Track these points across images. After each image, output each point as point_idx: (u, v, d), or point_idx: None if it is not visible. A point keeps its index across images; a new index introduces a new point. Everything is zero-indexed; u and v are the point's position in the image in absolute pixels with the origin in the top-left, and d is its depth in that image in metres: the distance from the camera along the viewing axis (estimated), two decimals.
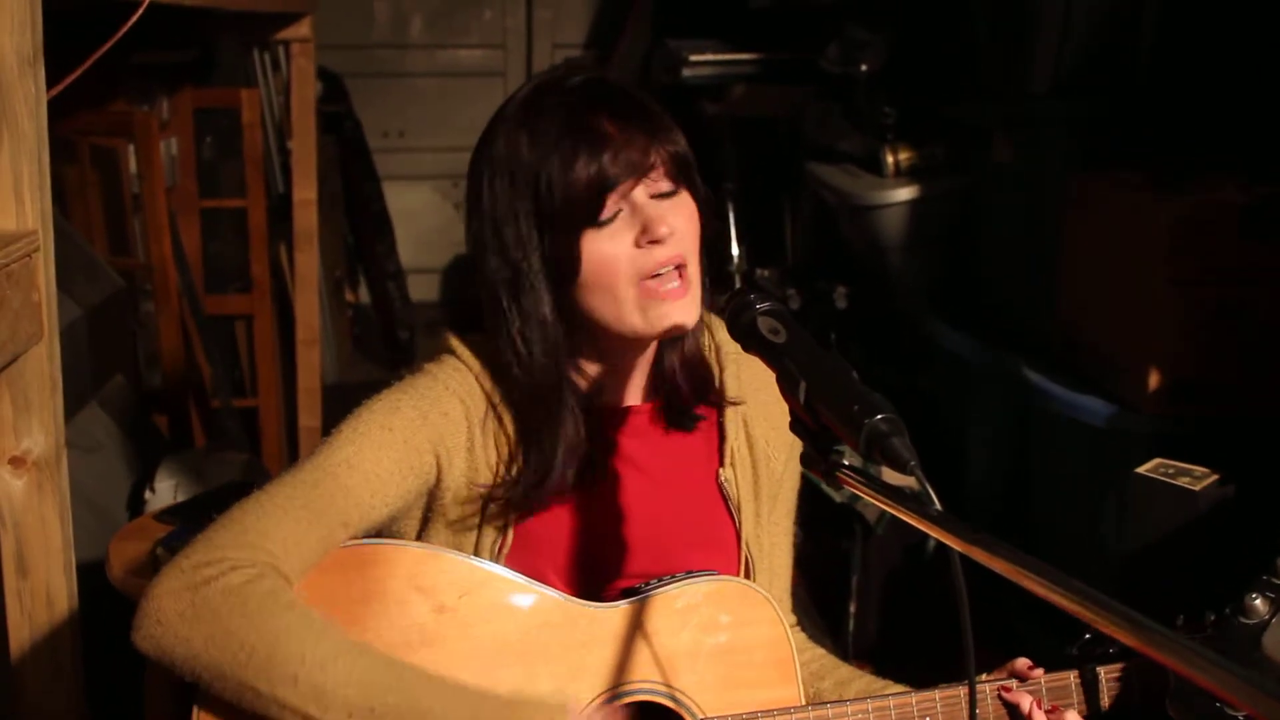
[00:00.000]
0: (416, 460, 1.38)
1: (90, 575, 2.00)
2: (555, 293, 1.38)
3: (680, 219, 1.37)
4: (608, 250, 1.35)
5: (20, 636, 1.70)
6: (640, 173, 1.35)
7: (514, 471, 1.42)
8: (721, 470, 1.53)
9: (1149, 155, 2.86)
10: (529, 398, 1.40)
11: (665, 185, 1.38)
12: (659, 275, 1.36)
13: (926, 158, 3.52)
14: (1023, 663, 1.46)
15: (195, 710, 1.26)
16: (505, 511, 1.42)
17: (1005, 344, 3.11)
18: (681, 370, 1.50)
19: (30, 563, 1.67)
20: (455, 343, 1.46)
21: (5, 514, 1.65)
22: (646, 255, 1.35)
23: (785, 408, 1.37)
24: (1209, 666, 0.78)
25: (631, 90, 1.42)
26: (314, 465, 1.33)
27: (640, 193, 1.36)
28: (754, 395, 1.53)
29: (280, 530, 1.27)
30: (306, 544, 1.28)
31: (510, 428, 1.42)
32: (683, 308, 1.37)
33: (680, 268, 1.37)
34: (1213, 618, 1.44)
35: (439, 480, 1.40)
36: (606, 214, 1.35)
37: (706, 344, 1.54)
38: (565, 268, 1.36)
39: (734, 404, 1.53)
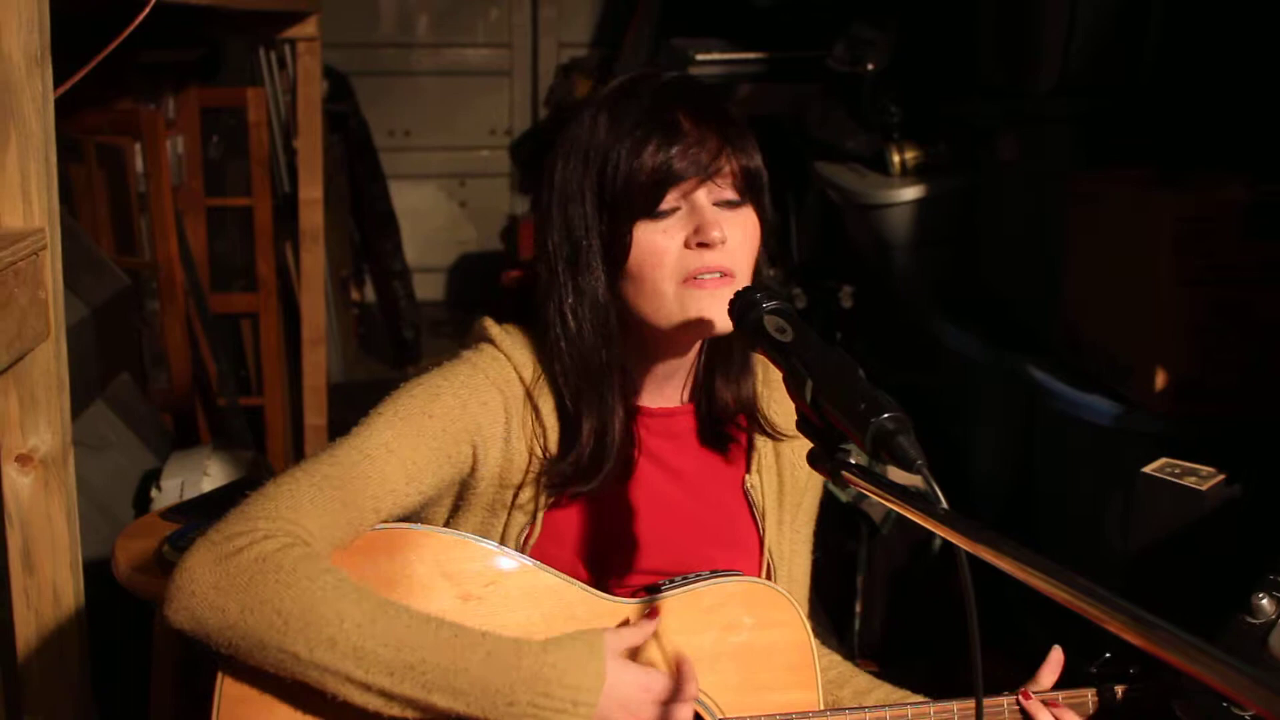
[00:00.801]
0: (453, 449, 1.38)
1: (96, 572, 2.00)
2: (610, 276, 1.39)
3: (738, 232, 1.38)
4: (658, 243, 1.36)
5: (27, 633, 1.70)
6: (706, 174, 1.36)
7: (549, 459, 1.42)
8: (748, 477, 1.54)
9: (1154, 153, 2.86)
10: (576, 377, 1.41)
11: (730, 194, 1.38)
12: (702, 276, 1.36)
13: (932, 156, 3.52)
14: (1056, 655, 1.46)
15: (220, 675, 1.27)
16: (535, 501, 1.43)
17: (1010, 343, 3.10)
18: (722, 382, 1.50)
19: (37, 560, 1.68)
20: (494, 331, 1.47)
21: (12, 511, 1.66)
22: (694, 256, 1.36)
23: None
24: (1216, 665, 0.78)
25: (718, 96, 1.43)
26: (352, 446, 1.34)
27: (703, 195, 1.37)
28: (783, 404, 1.53)
29: (314, 509, 1.27)
30: (338, 526, 1.29)
31: (547, 419, 1.43)
32: (720, 301, 1.34)
33: (726, 275, 1.36)
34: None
35: (473, 470, 1.41)
36: (664, 207, 1.36)
37: (760, 376, 1.54)
38: (617, 252, 1.37)
39: (771, 434, 1.53)
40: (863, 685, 1.59)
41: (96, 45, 1.84)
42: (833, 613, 3.20)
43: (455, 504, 1.45)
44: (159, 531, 2.31)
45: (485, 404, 1.40)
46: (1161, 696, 1.44)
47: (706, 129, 1.37)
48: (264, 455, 3.81)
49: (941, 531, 1.00)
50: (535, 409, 1.43)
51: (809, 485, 1.60)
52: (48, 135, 1.58)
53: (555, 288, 1.40)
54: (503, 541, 1.43)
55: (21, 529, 1.66)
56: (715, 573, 1.45)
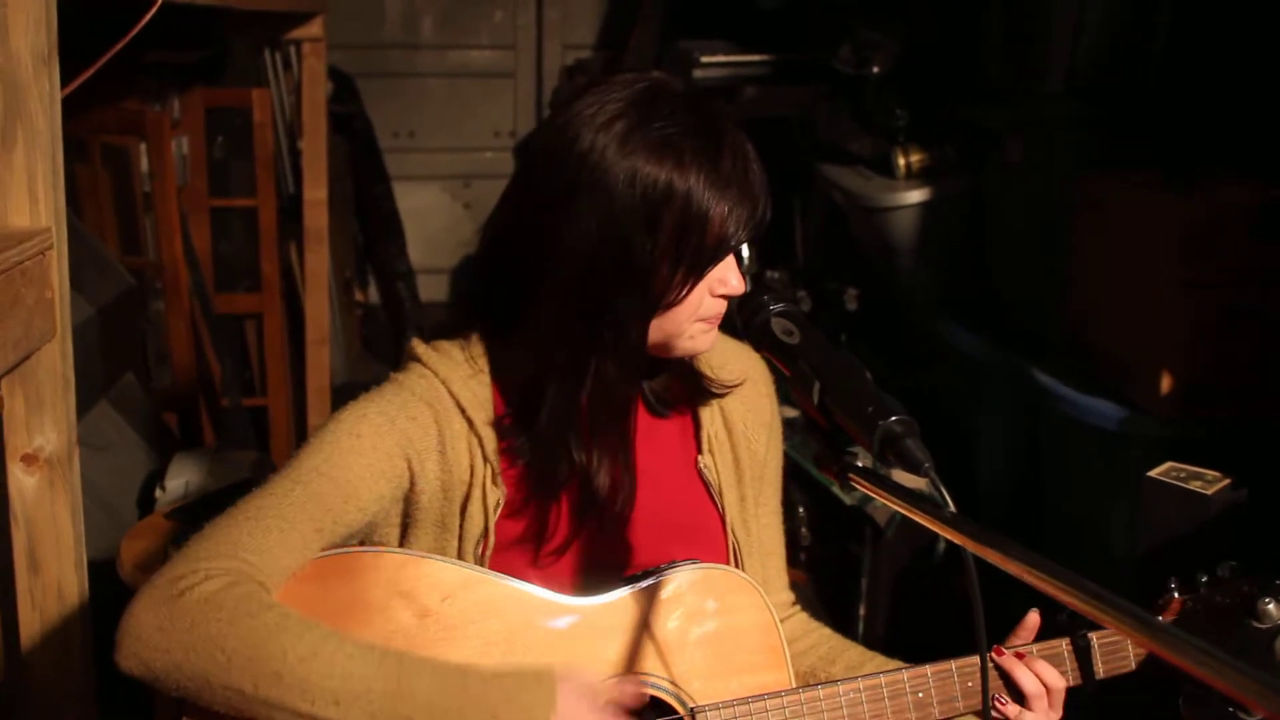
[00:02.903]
0: (387, 465, 1.38)
1: (101, 573, 2.00)
2: (646, 306, 1.37)
3: None
4: (698, 289, 1.38)
5: (31, 633, 1.70)
6: (757, 237, 1.40)
7: (495, 462, 1.42)
8: (700, 458, 1.54)
9: (1161, 156, 2.85)
10: (595, 410, 1.42)
11: None
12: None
13: (937, 159, 3.51)
14: (1031, 619, 1.47)
15: None
16: (484, 511, 1.42)
17: (1016, 346, 3.10)
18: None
19: (42, 559, 1.68)
20: (420, 349, 1.47)
21: (18, 511, 1.66)
22: (716, 304, 1.40)
23: (760, 390, 1.44)
24: (1225, 669, 0.77)
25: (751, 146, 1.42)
26: (284, 476, 1.35)
27: None
28: (717, 356, 1.55)
29: (254, 539, 1.28)
30: (281, 551, 1.29)
31: (482, 429, 1.43)
32: (711, 338, 1.43)
33: None
34: (1204, 578, 1.44)
35: (413, 484, 1.41)
36: None
37: None
38: (672, 293, 1.36)
39: (722, 388, 1.54)
40: (854, 660, 1.59)
41: (103, 45, 1.84)
42: (836, 615, 3.19)
43: (404, 522, 1.44)
44: (163, 532, 2.31)
45: (414, 418, 1.41)
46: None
47: (762, 191, 1.38)
48: (267, 456, 3.81)
49: (948, 534, 1.00)
50: (469, 420, 1.43)
51: (769, 456, 1.60)
52: (55, 135, 1.58)
53: (579, 301, 1.36)
54: (459, 555, 1.43)
55: (27, 528, 1.67)
56: (674, 564, 1.45)
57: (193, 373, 3.76)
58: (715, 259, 1.36)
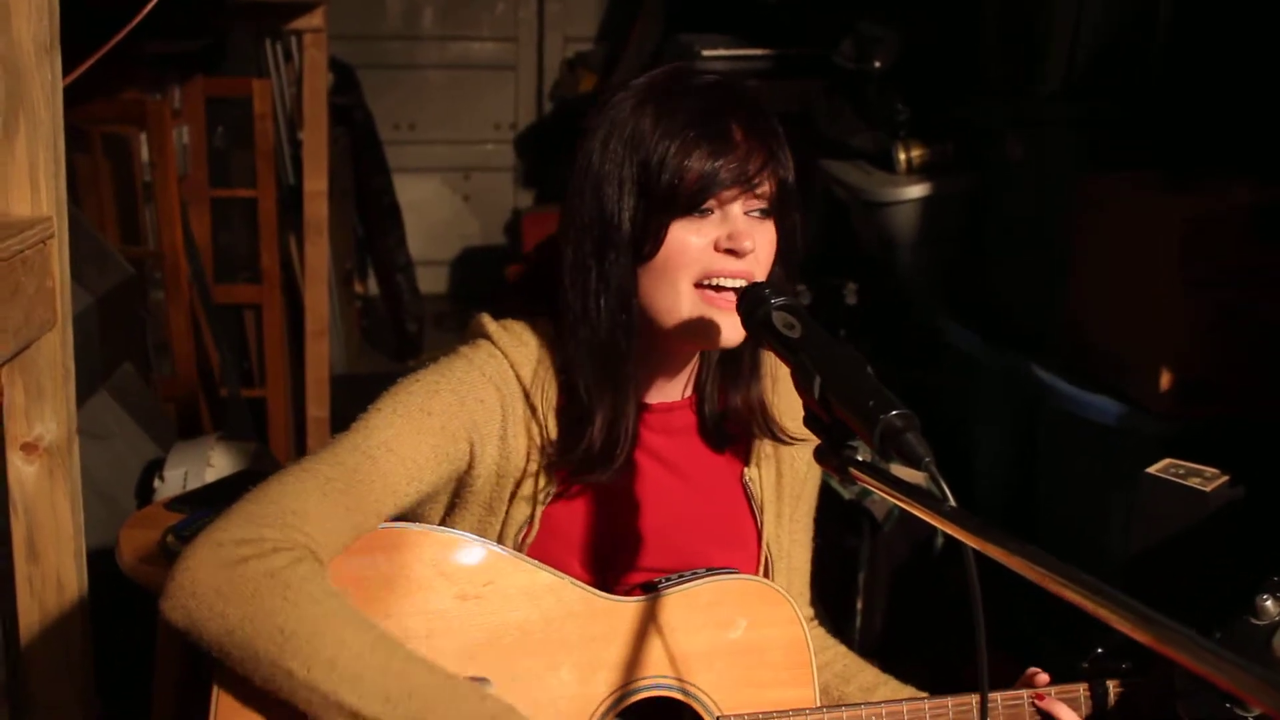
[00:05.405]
0: (451, 447, 1.38)
1: (99, 562, 2.00)
2: (634, 261, 1.39)
3: (763, 243, 1.39)
4: (689, 241, 1.37)
5: (30, 622, 1.70)
6: (747, 187, 1.37)
7: (557, 448, 1.42)
8: (747, 470, 1.55)
9: (1160, 156, 2.85)
10: (593, 364, 1.41)
11: (763, 206, 1.40)
12: (721, 287, 1.37)
13: (938, 155, 3.51)
14: (1042, 679, 1.46)
15: (215, 689, 1.26)
16: (533, 498, 1.43)
17: (1015, 342, 3.10)
18: (732, 387, 1.51)
19: (41, 548, 1.68)
20: (492, 328, 1.47)
21: (17, 500, 1.66)
22: (719, 260, 1.37)
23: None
24: (1225, 665, 0.78)
25: (765, 109, 1.44)
26: (353, 446, 1.33)
27: (738, 205, 1.39)
28: (791, 408, 1.53)
29: (318, 513, 1.27)
30: (342, 529, 1.29)
31: (546, 417, 1.43)
32: (734, 323, 1.37)
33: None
34: (1217, 636, 1.44)
35: (470, 467, 1.41)
36: (702, 209, 1.37)
37: (769, 380, 1.54)
38: (648, 243, 1.38)
39: (779, 439, 1.53)
40: (869, 681, 1.59)
41: (103, 34, 1.84)
42: (834, 610, 3.20)
43: (451, 501, 1.45)
44: (163, 521, 2.31)
45: (482, 401, 1.41)
46: (1154, 691, 1.45)
47: (755, 142, 1.38)
48: (266, 446, 3.81)
49: (949, 529, 1.00)
50: (532, 407, 1.43)
51: (809, 475, 1.61)
52: (56, 124, 1.58)
53: (580, 269, 1.40)
54: (501, 540, 1.43)
55: (26, 517, 1.67)
56: (712, 570, 1.45)
57: (192, 363, 3.76)
58: (678, 197, 1.35)
